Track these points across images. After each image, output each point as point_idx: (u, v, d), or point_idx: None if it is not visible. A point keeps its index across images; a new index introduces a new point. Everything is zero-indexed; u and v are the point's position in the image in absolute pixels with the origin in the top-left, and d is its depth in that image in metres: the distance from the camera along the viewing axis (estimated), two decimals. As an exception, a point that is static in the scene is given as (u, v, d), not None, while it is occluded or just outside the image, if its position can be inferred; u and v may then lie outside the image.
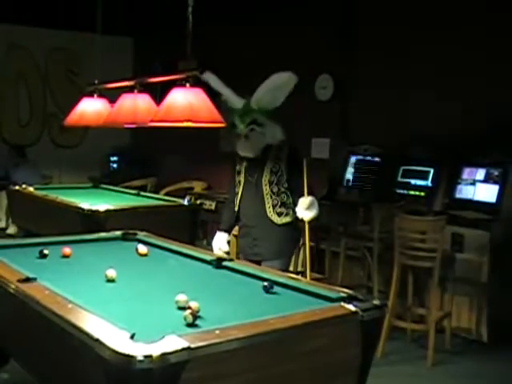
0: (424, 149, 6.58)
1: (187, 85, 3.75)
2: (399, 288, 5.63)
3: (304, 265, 5.03)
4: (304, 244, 5.01)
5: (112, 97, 5.38)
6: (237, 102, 4.75)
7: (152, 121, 3.94)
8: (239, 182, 4.91)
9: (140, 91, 4.67)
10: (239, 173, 4.92)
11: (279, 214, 4.74)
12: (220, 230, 5.03)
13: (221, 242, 4.95)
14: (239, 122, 4.72)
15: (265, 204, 4.75)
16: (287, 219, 4.77)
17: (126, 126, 5.26)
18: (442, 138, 6.49)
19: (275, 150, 4.78)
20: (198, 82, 3.81)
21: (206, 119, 3.74)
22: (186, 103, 3.66)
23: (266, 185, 4.75)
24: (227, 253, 4.86)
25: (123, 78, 5.50)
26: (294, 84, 4.63)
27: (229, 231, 5.08)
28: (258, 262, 4.62)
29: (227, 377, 2.41)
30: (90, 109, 5.58)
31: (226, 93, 4.77)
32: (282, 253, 4.81)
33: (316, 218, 4.66)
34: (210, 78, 4.58)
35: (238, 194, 4.91)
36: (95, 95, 5.64)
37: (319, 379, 2.79)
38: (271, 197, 4.74)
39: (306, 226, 4.68)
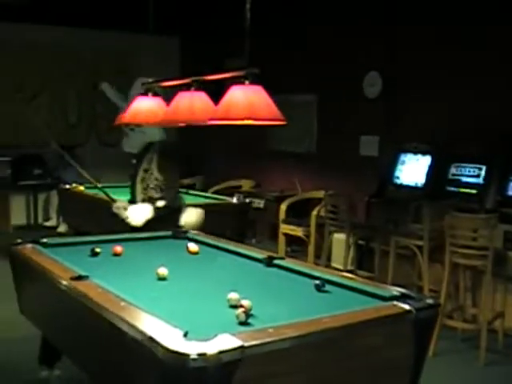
0: (475, 146, 6.48)
1: (246, 82, 3.72)
2: (450, 287, 5.54)
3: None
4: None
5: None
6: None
7: (212, 119, 3.91)
8: None
9: (197, 89, 4.61)
10: None
11: None
12: None
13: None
14: None
15: None
16: None
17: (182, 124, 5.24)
18: (493, 135, 6.38)
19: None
20: (256, 79, 3.75)
21: (266, 117, 3.69)
22: (246, 101, 3.63)
23: None
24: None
25: (176, 76, 5.48)
26: None
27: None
28: None
29: (280, 376, 2.40)
30: (145, 107, 5.51)
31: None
32: None
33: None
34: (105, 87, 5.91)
35: None
36: (150, 94, 5.59)
37: (372, 378, 2.77)
38: None
39: None
